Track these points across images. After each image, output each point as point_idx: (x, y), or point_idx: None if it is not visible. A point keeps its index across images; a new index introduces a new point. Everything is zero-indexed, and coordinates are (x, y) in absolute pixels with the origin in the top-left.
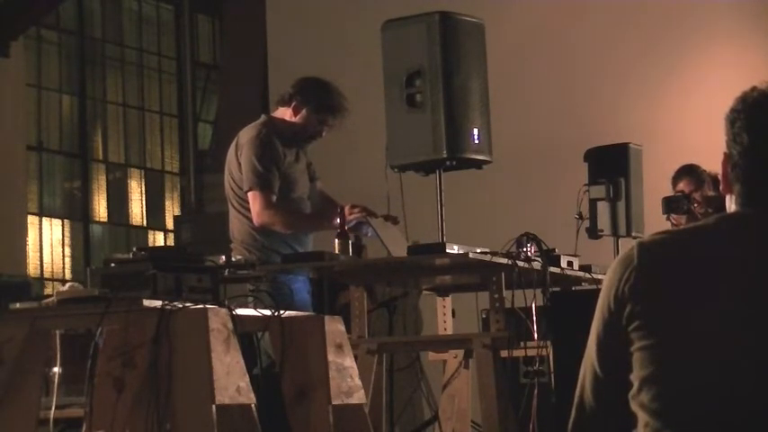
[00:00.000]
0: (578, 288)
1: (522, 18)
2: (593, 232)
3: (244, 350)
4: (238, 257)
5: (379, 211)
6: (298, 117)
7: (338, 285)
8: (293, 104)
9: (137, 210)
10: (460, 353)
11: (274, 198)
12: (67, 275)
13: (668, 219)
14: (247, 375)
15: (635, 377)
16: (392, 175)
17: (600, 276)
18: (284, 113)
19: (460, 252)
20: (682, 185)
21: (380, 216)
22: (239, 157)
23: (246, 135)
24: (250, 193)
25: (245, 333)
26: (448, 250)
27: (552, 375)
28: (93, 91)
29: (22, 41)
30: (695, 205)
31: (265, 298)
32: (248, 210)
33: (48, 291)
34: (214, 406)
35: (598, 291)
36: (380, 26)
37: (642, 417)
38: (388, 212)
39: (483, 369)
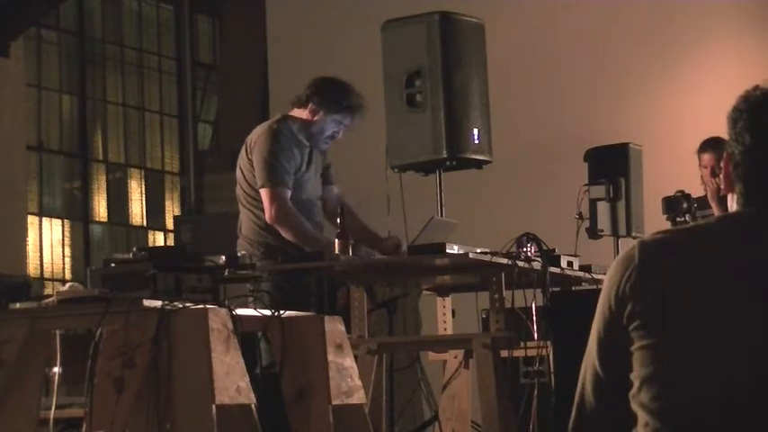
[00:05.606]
0: (578, 288)
1: (522, 18)
2: (593, 232)
3: (244, 350)
4: (242, 252)
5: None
6: (315, 118)
7: (338, 285)
8: (310, 105)
9: (137, 210)
10: (460, 353)
11: (289, 193)
12: (67, 275)
13: (668, 218)
14: (247, 375)
15: (635, 377)
16: (392, 175)
17: (600, 276)
18: (301, 114)
19: (460, 252)
20: (707, 158)
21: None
22: (250, 155)
23: (258, 131)
24: (263, 191)
25: (245, 333)
26: (448, 250)
27: (552, 375)
28: (93, 91)
29: (22, 41)
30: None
31: (265, 298)
32: (256, 207)
33: (48, 291)
34: (214, 406)
35: (598, 291)
36: (380, 26)
37: (642, 416)
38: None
39: (483, 369)
